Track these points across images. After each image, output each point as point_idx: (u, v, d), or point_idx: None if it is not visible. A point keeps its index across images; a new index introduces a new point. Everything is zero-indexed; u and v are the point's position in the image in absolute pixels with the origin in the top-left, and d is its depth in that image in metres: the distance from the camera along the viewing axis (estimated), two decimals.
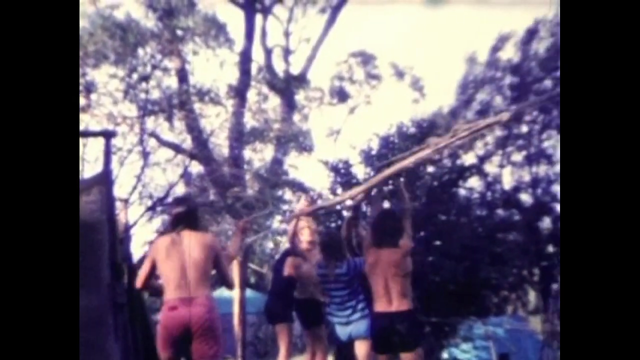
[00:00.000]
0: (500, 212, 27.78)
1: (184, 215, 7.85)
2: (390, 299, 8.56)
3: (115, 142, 17.13)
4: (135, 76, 21.14)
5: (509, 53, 30.93)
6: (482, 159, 30.37)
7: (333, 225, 21.54)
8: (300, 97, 28.77)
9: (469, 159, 29.02)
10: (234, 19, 26.25)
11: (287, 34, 29.88)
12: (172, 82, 22.96)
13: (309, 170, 48.60)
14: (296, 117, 28.02)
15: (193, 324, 7.35)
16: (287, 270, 10.39)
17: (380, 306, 8.64)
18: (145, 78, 21.22)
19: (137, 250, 19.97)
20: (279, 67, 28.93)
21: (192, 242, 7.52)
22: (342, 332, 9.63)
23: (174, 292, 7.51)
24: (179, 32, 22.30)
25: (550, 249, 28.09)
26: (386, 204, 10.92)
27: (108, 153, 8.72)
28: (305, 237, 10.31)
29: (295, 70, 29.14)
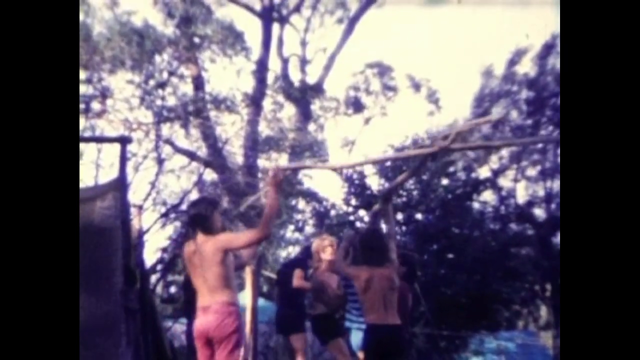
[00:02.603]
0: (513, 226, 27.75)
1: (195, 218, 7.79)
2: (387, 313, 8.77)
3: (130, 148, 17.12)
4: (151, 83, 21.19)
5: (526, 67, 30.97)
6: (497, 173, 30.38)
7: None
8: (315, 107, 28.79)
9: (483, 172, 29.08)
10: (251, 28, 26.34)
11: (304, 44, 29.96)
12: (188, 89, 23.02)
13: (323, 180, 48.67)
14: (311, 127, 28.05)
15: (210, 332, 7.37)
16: (296, 282, 10.46)
17: (376, 318, 8.79)
18: (161, 85, 21.25)
19: (150, 256, 20.01)
20: (295, 76, 28.99)
21: (205, 248, 7.45)
22: (358, 338, 9.65)
23: (199, 300, 7.54)
24: (196, 40, 22.35)
25: None
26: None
27: (123, 159, 8.73)
28: (326, 256, 10.37)
29: (311, 79, 29.19)
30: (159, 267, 21.40)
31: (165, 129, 21.80)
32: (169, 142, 21.96)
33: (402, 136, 24.39)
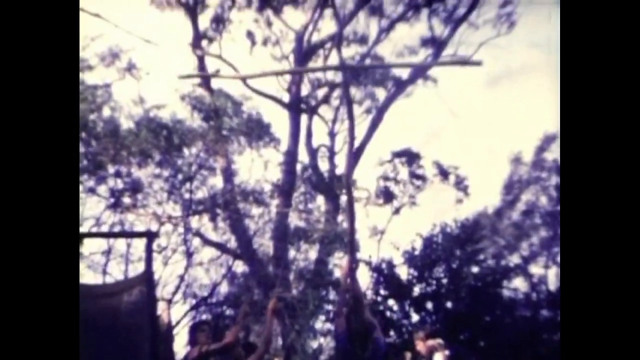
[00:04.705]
0: (545, 312, 27.50)
1: None
2: None
3: (160, 241, 17.30)
4: (180, 176, 21.37)
5: (555, 153, 30.96)
6: (527, 260, 30.17)
7: None
8: (345, 197, 28.68)
9: (513, 259, 28.93)
10: (279, 119, 26.50)
11: (332, 134, 29.99)
12: (216, 181, 23.14)
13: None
14: (340, 218, 27.96)
15: None
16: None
17: None
18: (189, 178, 21.42)
19: (180, 349, 20.01)
20: (324, 167, 28.97)
21: None
22: None
23: None
24: (224, 132, 22.52)
25: None
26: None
27: (149, 253, 8.81)
28: None
29: (340, 170, 29.19)
30: None
31: (194, 222, 21.91)
32: (198, 234, 22.04)
33: (430, 224, 24.54)
